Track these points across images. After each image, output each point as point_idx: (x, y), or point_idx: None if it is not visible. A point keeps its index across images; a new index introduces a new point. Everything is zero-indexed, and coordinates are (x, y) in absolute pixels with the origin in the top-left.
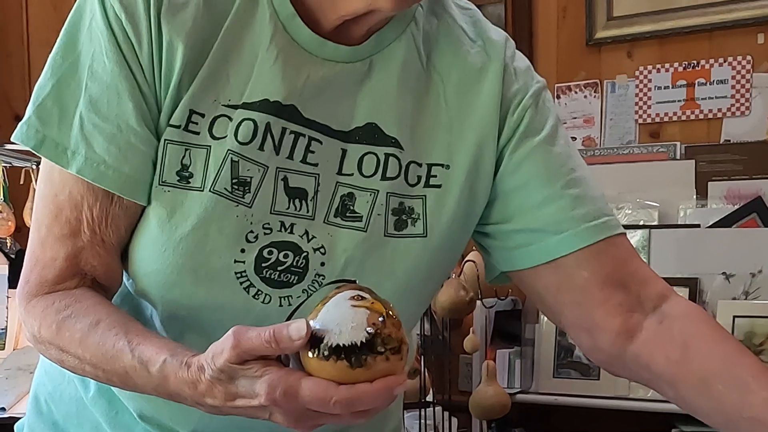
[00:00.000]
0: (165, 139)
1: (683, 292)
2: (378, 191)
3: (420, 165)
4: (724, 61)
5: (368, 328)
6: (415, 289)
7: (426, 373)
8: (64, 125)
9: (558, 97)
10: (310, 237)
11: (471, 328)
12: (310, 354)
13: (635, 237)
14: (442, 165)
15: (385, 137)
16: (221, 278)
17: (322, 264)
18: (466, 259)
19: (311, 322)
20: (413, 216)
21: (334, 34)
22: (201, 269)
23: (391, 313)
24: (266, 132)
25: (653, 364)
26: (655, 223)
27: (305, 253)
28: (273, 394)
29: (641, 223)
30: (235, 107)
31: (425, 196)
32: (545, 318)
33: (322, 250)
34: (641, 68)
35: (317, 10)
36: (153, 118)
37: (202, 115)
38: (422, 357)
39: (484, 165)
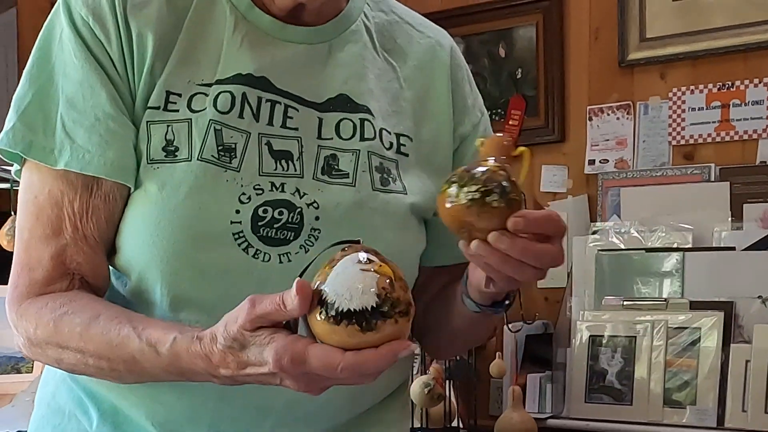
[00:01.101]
0: (147, 121)
1: (718, 316)
2: (359, 150)
3: (390, 133)
4: (760, 82)
5: (378, 293)
6: (404, 250)
7: (452, 398)
8: (48, 129)
9: (590, 119)
10: (302, 194)
11: (497, 353)
12: (319, 318)
13: (669, 260)
14: (407, 136)
15: (357, 105)
16: (220, 240)
17: (317, 218)
18: None
19: (322, 287)
20: (392, 176)
21: (292, 18)
22: (198, 234)
23: (398, 275)
24: (243, 101)
25: None
26: (689, 245)
27: (299, 209)
28: (281, 362)
29: (675, 245)
30: (210, 85)
31: (397, 161)
32: (577, 342)
33: (315, 204)
34: (675, 89)
35: (267, 2)
36: (127, 104)
37: (179, 95)
38: (448, 381)
39: (442, 140)
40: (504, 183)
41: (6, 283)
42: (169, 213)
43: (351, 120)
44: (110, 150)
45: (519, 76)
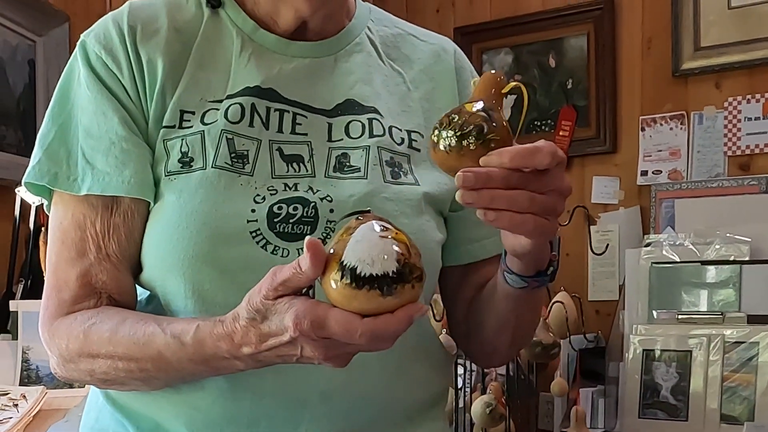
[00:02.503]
0: (163, 140)
1: None
2: (369, 146)
3: (400, 130)
4: None
5: (398, 259)
6: (420, 235)
7: (509, 417)
8: (71, 160)
9: (642, 129)
10: (315, 190)
11: (557, 371)
12: (338, 284)
13: (725, 273)
14: (419, 132)
15: (364, 107)
16: (238, 239)
17: (331, 211)
18: (554, 300)
19: (342, 252)
20: (403, 170)
21: (297, 34)
22: (216, 234)
23: (411, 242)
24: (252, 111)
25: None
26: (747, 258)
27: (313, 203)
28: (301, 325)
29: (732, 258)
30: (221, 100)
31: (409, 155)
32: (630, 356)
33: (328, 198)
34: (730, 99)
35: (270, 23)
36: (140, 126)
37: (192, 113)
38: (507, 398)
39: None
40: (482, 124)
41: None
42: (186, 217)
43: (360, 121)
44: (126, 169)
45: (569, 86)
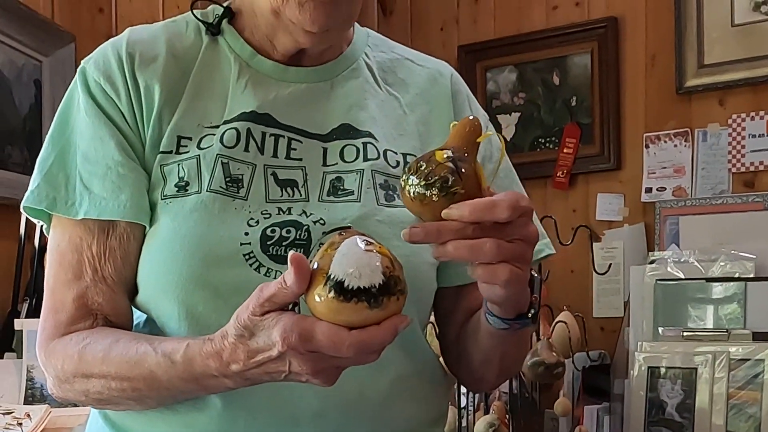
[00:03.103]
0: (160, 165)
1: None
2: (363, 170)
3: (396, 153)
4: None
5: (383, 271)
6: (413, 258)
7: None
8: (69, 185)
9: (647, 146)
10: (308, 214)
11: (561, 391)
12: (324, 297)
13: (730, 290)
14: (414, 155)
15: (359, 132)
16: (231, 261)
17: (324, 233)
18: (557, 320)
19: (328, 267)
20: (397, 192)
21: (294, 60)
22: (210, 257)
23: (394, 256)
24: (248, 136)
25: None
26: (752, 275)
27: (306, 226)
28: (289, 339)
29: (736, 275)
30: (218, 126)
31: None
32: (635, 373)
33: (321, 221)
34: (734, 116)
35: (268, 48)
36: (137, 151)
37: (189, 139)
38: (510, 417)
39: None
40: (447, 176)
41: None
42: (180, 240)
43: (354, 145)
44: (122, 194)
45: (574, 103)
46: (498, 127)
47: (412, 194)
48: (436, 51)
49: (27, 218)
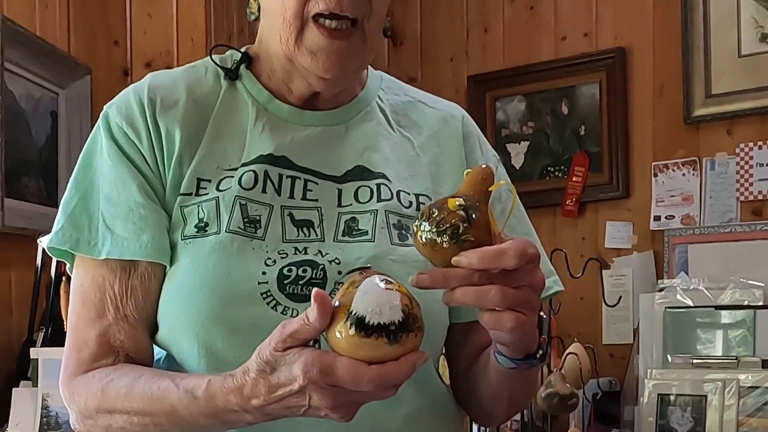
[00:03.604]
0: (180, 206)
1: None
2: (377, 210)
3: (408, 193)
4: None
5: (403, 309)
6: (427, 295)
7: None
8: (92, 226)
9: (655, 175)
10: (324, 253)
11: (572, 421)
12: (345, 333)
13: (739, 318)
14: (426, 195)
15: (373, 173)
16: (249, 300)
17: (339, 273)
18: (567, 351)
19: (350, 304)
20: (410, 232)
21: (310, 103)
22: (228, 295)
23: (412, 295)
24: (265, 178)
25: None
26: (760, 303)
27: (322, 266)
28: (310, 373)
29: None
30: (236, 168)
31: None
32: (644, 399)
33: (336, 261)
34: (742, 145)
35: (285, 92)
36: (158, 193)
37: (209, 181)
38: None
39: None
40: (458, 224)
41: None
42: (200, 279)
43: (368, 186)
44: (144, 234)
45: (582, 132)
46: (507, 156)
47: (423, 240)
48: (446, 81)
49: (44, 248)
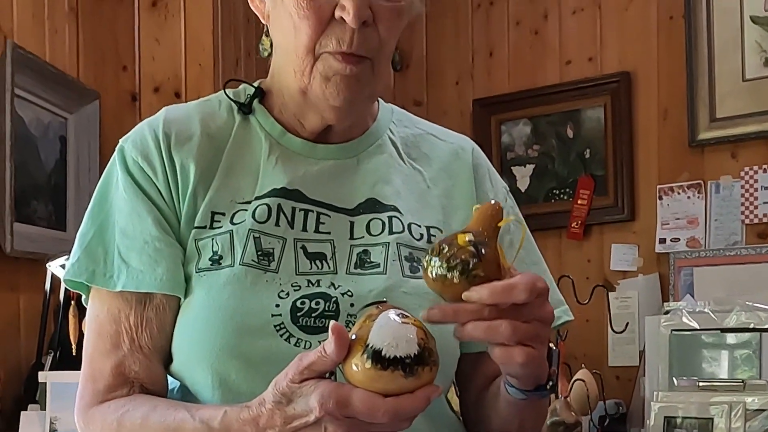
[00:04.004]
0: (195, 239)
1: None
2: (388, 243)
3: (420, 226)
4: None
5: (419, 342)
6: (439, 327)
7: None
8: (108, 258)
9: (660, 197)
10: (337, 286)
11: None
12: (362, 366)
13: (745, 340)
14: (437, 228)
15: (385, 206)
16: (262, 332)
17: (352, 305)
18: (575, 378)
19: (367, 337)
20: (422, 264)
21: (322, 137)
22: (242, 328)
23: (427, 329)
24: (279, 211)
25: None
26: (766, 326)
27: (334, 298)
28: (327, 405)
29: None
30: (250, 202)
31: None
32: (651, 422)
33: (349, 293)
34: (746, 168)
35: (297, 127)
36: (173, 226)
37: (223, 214)
38: None
39: None
40: (469, 260)
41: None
42: (214, 312)
43: (380, 219)
44: (159, 267)
45: (587, 156)
46: (513, 179)
47: (434, 275)
48: (451, 104)
49: (52, 273)
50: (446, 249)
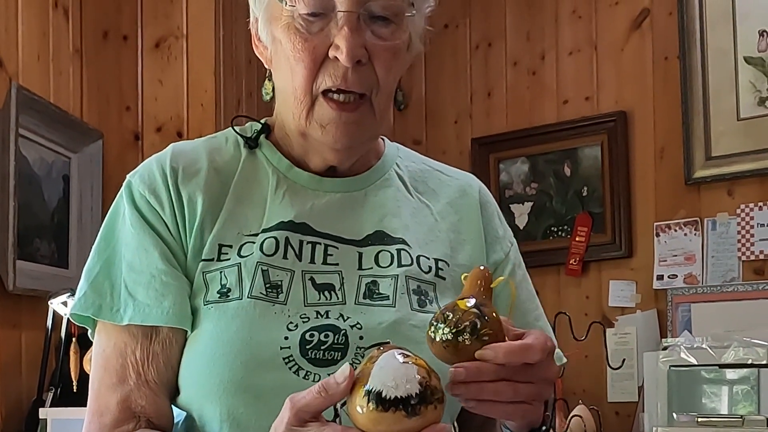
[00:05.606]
0: (202, 272)
1: None
2: (397, 275)
3: (428, 258)
4: None
5: (420, 381)
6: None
7: None
8: (114, 292)
9: (657, 235)
10: (346, 317)
11: None
12: (365, 408)
13: (744, 376)
14: (445, 261)
15: (393, 239)
16: (271, 365)
17: (361, 338)
18: (572, 414)
19: (367, 379)
20: (429, 298)
21: (329, 171)
22: (251, 360)
23: (431, 367)
24: (286, 244)
25: None
26: (764, 362)
27: (343, 331)
28: None
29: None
30: (257, 234)
31: (435, 284)
32: None
33: (358, 326)
34: (743, 206)
35: (304, 161)
36: (180, 260)
37: (230, 246)
38: None
39: (477, 263)
40: (475, 321)
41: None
42: (223, 345)
43: (389, 251)
44: (165, 301)
45: (585, 193)
46: (511, 217)
47: (444, 341)
48: (450, 143)
49: (54, 310)
50: (451, 315)
